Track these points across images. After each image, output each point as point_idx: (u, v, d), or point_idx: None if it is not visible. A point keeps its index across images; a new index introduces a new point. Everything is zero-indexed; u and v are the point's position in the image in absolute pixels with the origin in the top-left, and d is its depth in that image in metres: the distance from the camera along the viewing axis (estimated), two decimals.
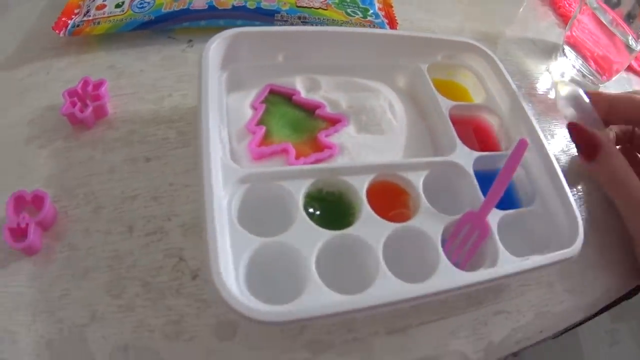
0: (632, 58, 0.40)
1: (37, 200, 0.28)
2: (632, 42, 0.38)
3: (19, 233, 0.26)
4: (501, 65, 0.34)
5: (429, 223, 0.26)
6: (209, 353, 0.24)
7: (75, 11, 0.37)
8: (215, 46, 0.29)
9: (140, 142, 0.30)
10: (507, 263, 0.25)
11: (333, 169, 0.27)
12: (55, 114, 0.32)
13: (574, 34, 0.42)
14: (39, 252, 0.26)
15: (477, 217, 0.27)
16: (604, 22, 0.39)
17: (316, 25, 0.37)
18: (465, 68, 0.35)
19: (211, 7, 0.36)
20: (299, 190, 0.25)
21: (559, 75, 0.43)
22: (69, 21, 0.36)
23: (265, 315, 0.20)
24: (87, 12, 0.36)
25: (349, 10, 0.39)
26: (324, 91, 0.32)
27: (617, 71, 0.41)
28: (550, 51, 0.45)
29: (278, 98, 0.31)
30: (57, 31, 0.35)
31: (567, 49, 0.44)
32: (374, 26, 0.38)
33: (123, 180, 0.29)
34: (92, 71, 0.35)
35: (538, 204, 0.29)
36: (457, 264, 0.25)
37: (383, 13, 0.40)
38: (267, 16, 0.37)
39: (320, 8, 0.38)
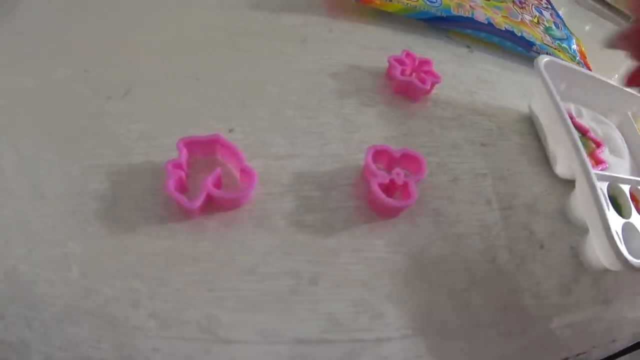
0: None
1: (407, 159, 0.29)
2: None
3: (391, 189, 0.27)
4: None
5: None
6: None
7: None
8: (544, 63, 0.34)
9: (470, 127, 0.34)
10: None
11: (619, 178, 0.33)
12: (364, 73, 0.33)
13: None
14: (399, 217, 0.27)
15: None
16: None
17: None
18: None
19: (490, 24, 0.41)
20: (604, 186, 0.31)
21: None
22: None
23: None
24: None
25: (567, 55, 0.47)
26: (586, 119, 0.39)
27: None
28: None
29: None
30: None
31: None
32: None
33: (468, 157, 0.32)
34: (384, 44, 0.37)
35: None
36: None
37: (583, 62, 0.49)
38: (527, 45, 0.43)
39: (556, 49, 0.45)
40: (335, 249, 0.25)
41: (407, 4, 0.38)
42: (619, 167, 0.37)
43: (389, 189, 0.28)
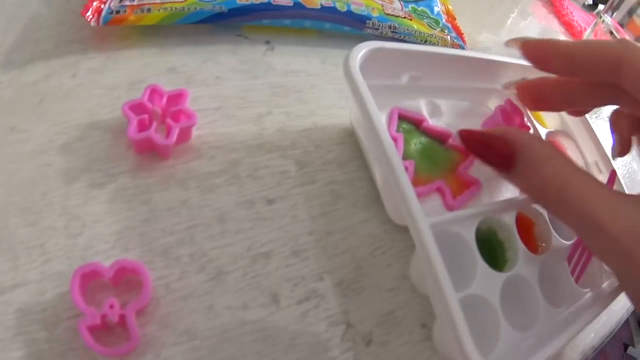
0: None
1: (121, 273, 0.20)
2: None
3: (103, 328, 0.19)
4: None
5: (558, 251, 0.25)
6: None
7: None
8: (361, 57, 0.23)
9: (250, 178, 0.23)
10: None
11: (492, 210, 0.24)
12: (102, 136, 0.23)
13: None
14: (137, 349, 0.19)
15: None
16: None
17: (404, 35, 0.34)
18: None
19: (298, 5, 0.29)
20: (471, 234, 0.22)
21: None
22: (102, 5, 0.27)
23: None
24: None
25: (425, 22, 0.36)
26: (446, 117, 0.28)
27: None
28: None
29: (408, 124, 0.27)
30: (88, 17, 0.26)
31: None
32: (453, 41, 0.36)
33: (244, 231, 0.22)
34: (143, 75, 0.26)
35: None
36: (576, 280, 0.25)
37: (450, 25, 0.38)
38: (358, 22, 0.31)
39: (405, 18, 0.34)
40: None
41: (172, 8, 0.27)
42: (504, 180, 0.26)
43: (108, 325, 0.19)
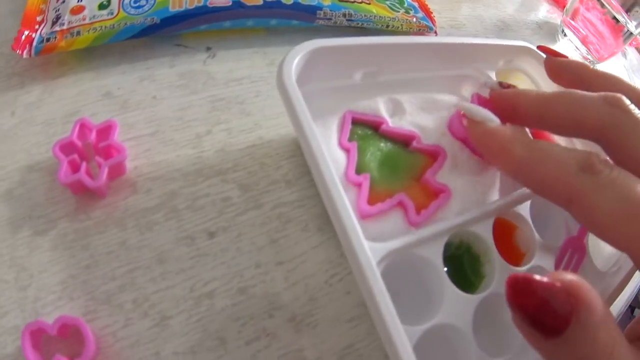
0: (627, 42, 0.41)
1: (65, 329, 0.19)
2: (630, 27, 0.39)
3: None
4: None
5: (545, 258, 0.23)
6: None
7: (38, 19, 0.25)
8: (296, 63, 0.21)
9: (190, 210, 0.22)
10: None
11: (463, 223, 0.22)
12: (41, 178, 0.22)
13: (569, 19, 0.43)
14: None
15: (577, 241, 0.25)
16: (606, 5, 0.39)
17: (362, 22, 0.30)
18: (519, 72, 0.32)
19: (237, 3, 0.27)
20: (437, 255, 0.20)
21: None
22: (34, 35, 0.25)
23: None
24: (58, 19, 0.25)
25: (388, 3, 0.32)
26: (409, 115, 0.26)
27: (614, 54, 0.43)
28: (553, 33, 0.45)
29: (364, 129, 0.24)
30: (18, 51, 0.24)
31: (566, 30, 0.44)
32: (419, 23, 0.32)
33: (185, 271, 0.21)
34: (78, 105, 0.24)
35: None
36: None
37: (417, 4, 0.34)
38: (307, 13, 0.28)
39: (363, 2, 0.30)
40: None
41: (101, 27, 0.25)
42: (478, 183, 0.24)
43: None
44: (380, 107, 0.25)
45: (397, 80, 0.26)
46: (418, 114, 0.26)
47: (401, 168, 0.24)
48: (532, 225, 0.23)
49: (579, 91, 0.19)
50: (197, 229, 0.21)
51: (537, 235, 0.23)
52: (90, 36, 0.25)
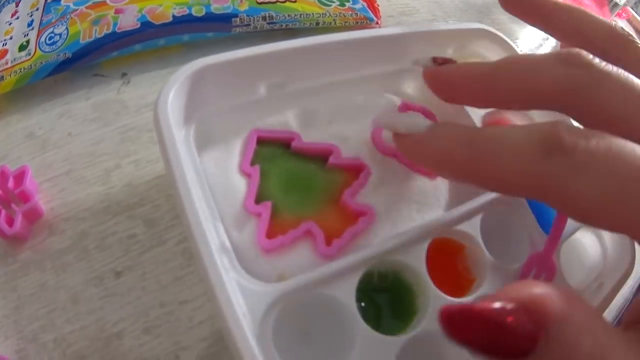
0: (614, 13, 0.36)
1: None
2: None
3: None
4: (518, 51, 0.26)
5: (498, 281, 0.20)
6: None
7: None
8: (175, 93, 0.20)
9: (98, 249, 0.22)
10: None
11: (384, 252, 0.19)
12: None
13: None
14: None
15: (543, 258, 0.21)
16: None
17: (286, 23, 0.28)
18: (476, 57, 0.28)
19: (145, 24, 0.26)
20: (349, 293, 0.18)
21: None
22: None
23: None
24: None
25: None
26: (327, 124, 0.24)
27: None
28: None
29: (271, 149, 0.23)
30: None
31: None
32: (356, 15, 0.30)
33: (95, 311, 0.21)
34: (6, 149, 0.25)
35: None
36: None
37: None
38: (222, 23, 0.27)
39: (287, 1, 0.28)
40: None
41: (20, 70, 0.26)
42: (413, 199, 0.22)
43: None
44: (291, 121, 0.23)
45: (310, 87, 0.24)
46: (339, 122, 0.24)
47: (315, 190, 0.22)
48: (482, 245, 0.21)
49: (526, 54, 0.16)
50: (105, 268, 0.22)
51: (489, 256, 0.20)
52: (12, 80, 0.26)
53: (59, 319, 0.21)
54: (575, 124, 0.15)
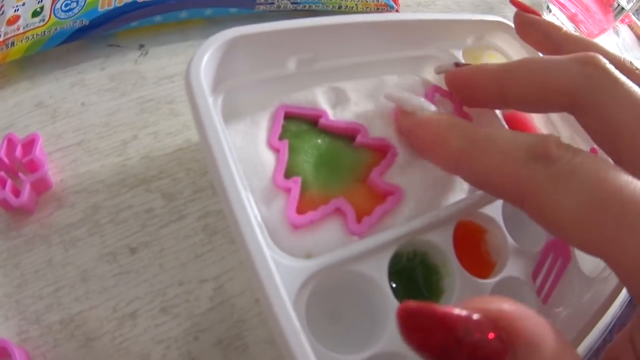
0: (618, 18, 0.37)
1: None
2: (622, 1, 0.36)
3: None
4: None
5: (521, 267, 0.20)
6: None
7: None
8: (207, 60, 0.19)
9: (112, 224, 0.21)
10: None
11: (415, 231, 0.19)
12: None
13: None
14: None
15: (560, 244, 0.21)
16: None
17: (309, 4, 0.28)
18: (492, 49, 0.28)
19: None
20: (381, 271, 0.18)
21: None
22: None
23: None
24: None
25: None
26: (355, 105, 0.23)
27: (604, 30, 0.38)
28: (538, 9, 0.40)
29: (299, 125, 0.22)
30: None
31: (551, 6, 0.40)
32: (377, 1, 0.29)
33: (107, 290, 0.20)
34: (12, 117, 0.24)
35: None
36: (543, 300, 0.20)
37: None
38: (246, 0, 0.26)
39: None
40: None
41: (33, 36, 0.24)
42: (437, 181, 0.21)
43: None
44: (319, 98, 0.22)
45: (339, 66, 0.23)
46: (365, 104, 0.23)
47: (343, 168, 0.21)
48: (504, 229, 0.20)
49: (545, 56, 0.16)
50: (119, 244, 0.20)
51: (510, 240, 0.20)
52: (24, 46, 0.24)
53: (66, 298, 0.20)
54: (579, 127, 0.15)
